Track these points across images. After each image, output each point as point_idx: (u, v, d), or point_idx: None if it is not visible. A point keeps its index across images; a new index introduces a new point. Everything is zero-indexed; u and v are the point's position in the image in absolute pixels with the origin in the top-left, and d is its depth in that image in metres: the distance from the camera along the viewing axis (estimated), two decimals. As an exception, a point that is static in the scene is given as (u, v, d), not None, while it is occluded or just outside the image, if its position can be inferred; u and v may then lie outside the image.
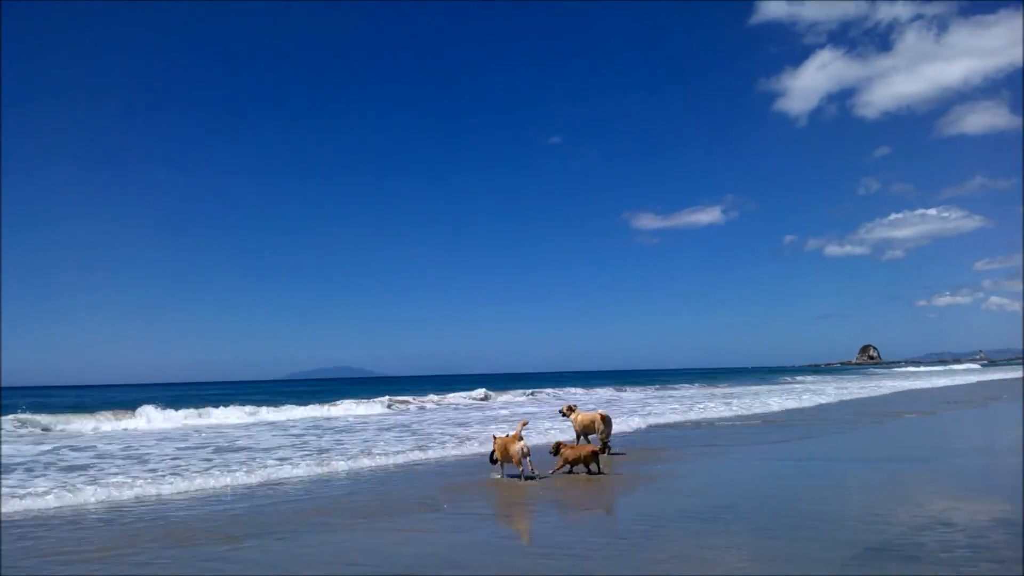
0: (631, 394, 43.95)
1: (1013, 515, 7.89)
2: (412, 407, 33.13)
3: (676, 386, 54.82)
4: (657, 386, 55.03)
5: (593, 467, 11.42)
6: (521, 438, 11.20)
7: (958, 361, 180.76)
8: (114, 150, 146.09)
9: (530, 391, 46.64)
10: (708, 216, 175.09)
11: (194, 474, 12.35)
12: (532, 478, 11.14)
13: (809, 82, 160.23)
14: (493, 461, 11.52)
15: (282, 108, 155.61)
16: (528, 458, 11.09)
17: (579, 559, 6.70)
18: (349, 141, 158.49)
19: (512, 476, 11.26)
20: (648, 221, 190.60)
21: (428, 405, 34.90)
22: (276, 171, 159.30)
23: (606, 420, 13.95)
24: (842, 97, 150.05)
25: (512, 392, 44.65)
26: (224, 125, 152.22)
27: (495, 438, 11.68)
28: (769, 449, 15.34)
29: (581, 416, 14.16)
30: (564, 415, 14.55)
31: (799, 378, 75.71)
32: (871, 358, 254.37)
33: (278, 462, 13.89)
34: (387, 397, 35.72)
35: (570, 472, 11.45)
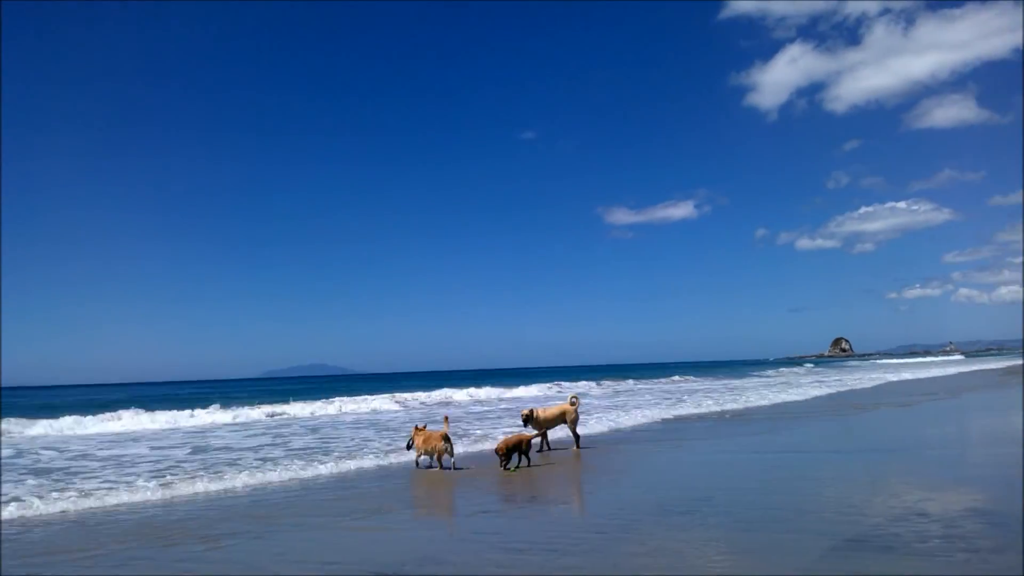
0: (601, 390, 43.99)
1: (986, 505, 8.05)
2: (396, 406, 32.96)
3: (655, 380, 55.06)
4: (632, 380, 55.21)
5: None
6: (447, 437, 12.03)
7: (929, 353, 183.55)
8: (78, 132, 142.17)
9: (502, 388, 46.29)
10: (681, 211, 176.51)
11: (172, 477, 12.26)
12: (450, 468, 11.96)
13: (779, 76, 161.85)
14: (409, 447, 12.45)
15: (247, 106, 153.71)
16: (449, 455, 11.98)
17: (558, 554, 6.76)
18: (320, 135, 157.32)
19: (429, 467, 12.10)
20: (622, 216, 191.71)
21: (407, 403, 34.75)
22: (251, 165, 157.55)
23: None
24: (812, 91, 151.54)
25: (482, 388, 44.41)
26: (192, 114, 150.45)
27: (416, 428, 12.45)
28: (745, 442, 15.51)
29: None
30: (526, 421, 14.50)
31: (782, 370, 76.51)
32: (843, 351, 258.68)
33: (260, 462, 13.84)
34: (376, 396, 35.60)
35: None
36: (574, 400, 14.95)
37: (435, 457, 11.99)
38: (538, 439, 13.85)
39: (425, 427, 12.49)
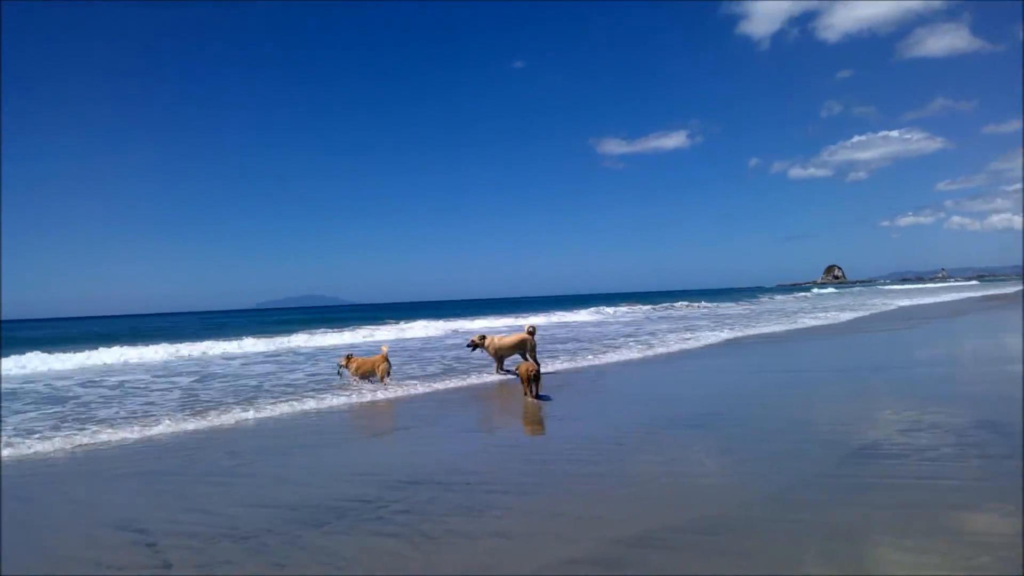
0: (646, 313, 44.56)
1: (998, 417, 8.37)
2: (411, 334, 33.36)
3: (662, 305, 55.55)
4: (648, 305, 55.74)
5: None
6: (387, 359, 13.94)
7: (921, 280, 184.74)
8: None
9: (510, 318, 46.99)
10: (674, 140, 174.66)
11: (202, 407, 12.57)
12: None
13: (771, 5, 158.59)
14: (339, 373, 14.10)
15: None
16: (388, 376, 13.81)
17: (581, 463, 7.10)
18: (317, 69, 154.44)
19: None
20: (614, 146, 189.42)
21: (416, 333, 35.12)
22: (255, 101, 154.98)
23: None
24: (804, 20, 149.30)
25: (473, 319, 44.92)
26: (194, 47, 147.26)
27: (349, 357, 14.17)
28: (752, 361, 15.90)
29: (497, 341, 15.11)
30: (474, 346, 15.23)
31: (778, 298, 77.09)
32: (836, 278, 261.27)
33: (273, 399, 14.20)
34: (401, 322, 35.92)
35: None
36: (531, 329, 15.34)
37: (380, 377, 13.65)
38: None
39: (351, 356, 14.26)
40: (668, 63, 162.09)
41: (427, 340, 28.10)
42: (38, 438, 9.53)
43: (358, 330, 34.44)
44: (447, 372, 15.70)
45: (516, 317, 44.80)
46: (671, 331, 26.65)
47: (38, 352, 22.19)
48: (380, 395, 12.45)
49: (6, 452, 8.80)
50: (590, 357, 17.70)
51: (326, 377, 15.12)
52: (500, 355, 14.91)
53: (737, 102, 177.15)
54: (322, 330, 36.34)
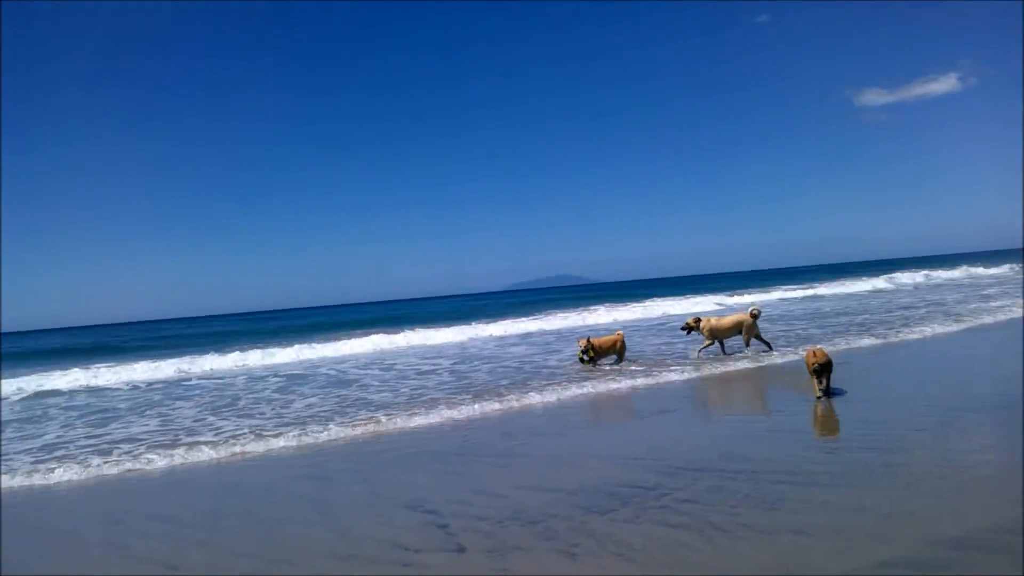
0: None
1: None
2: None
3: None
4: (908, 272, 50.41)
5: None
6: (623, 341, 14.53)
7: None
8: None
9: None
10: (942, 85, 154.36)
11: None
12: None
13: None
14: (590, 359, 14.14)
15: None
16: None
17: (878, 451, 6.51)
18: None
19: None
20: (874, 96, 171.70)
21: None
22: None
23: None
24: None
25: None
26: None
27: (588, 339, 14.46)
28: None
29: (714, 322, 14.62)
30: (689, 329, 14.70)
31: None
32: None
33: (542, 381, 14.65)
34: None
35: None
36: (755, 312, 14.53)
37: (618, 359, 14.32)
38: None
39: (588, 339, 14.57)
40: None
41: (668, 318, 27.63)
42: (337, 423, 10.57)
43: (610, 309, 34.46)
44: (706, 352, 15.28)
45: (787, 289, 41.84)
46: (960, 302, 23.86)
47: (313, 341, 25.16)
48: (640, 379, 12.33)
49: (300, 440, 9.80)
50: (880, 332, 16.35)
51: (572, 360, 15.29)
52: (716, 336, 14.36)
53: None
54: (570, 311, 36.98)
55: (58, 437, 10.98)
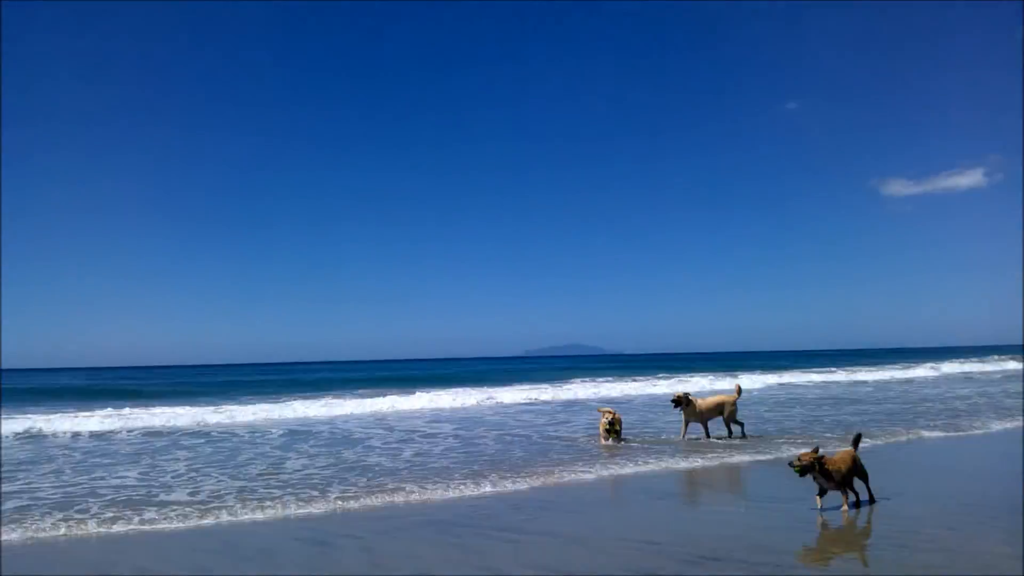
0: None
1: None
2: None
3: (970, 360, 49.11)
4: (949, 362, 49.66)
5: None
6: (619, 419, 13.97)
7: None
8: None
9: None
10: (968, 179, 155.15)
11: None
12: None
13: None
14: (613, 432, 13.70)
15: None
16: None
17: (909, 550, 6.20)
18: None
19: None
20: (900, 187, 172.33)
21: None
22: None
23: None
24: None
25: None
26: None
27: (602, 410, 14.19)
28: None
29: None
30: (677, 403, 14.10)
31: None
32: None
33: (572, 458, 14.35)
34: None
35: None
36: (739, 389, 14.44)
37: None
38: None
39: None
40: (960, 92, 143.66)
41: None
42: (338, 495, 10.32)
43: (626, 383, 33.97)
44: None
45: (807, 372, 41.20)
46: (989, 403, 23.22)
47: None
48: (665, 459, 12.02)
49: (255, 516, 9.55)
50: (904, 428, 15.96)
51: (585, 431, 14.94)
52: (703, 418, 14.01)
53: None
54: (587, 381, 36.57)
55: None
